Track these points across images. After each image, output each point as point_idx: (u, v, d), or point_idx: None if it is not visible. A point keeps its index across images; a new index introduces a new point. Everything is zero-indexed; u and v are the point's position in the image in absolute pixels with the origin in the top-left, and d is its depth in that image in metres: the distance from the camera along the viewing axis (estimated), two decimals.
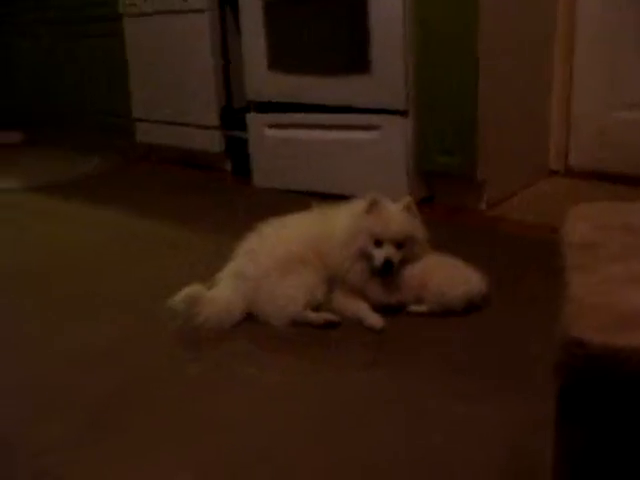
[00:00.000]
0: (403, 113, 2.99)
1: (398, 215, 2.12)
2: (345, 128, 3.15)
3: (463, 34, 2.78)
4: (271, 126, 3.40)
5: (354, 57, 3.03)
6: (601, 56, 3.23)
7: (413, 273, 2.13)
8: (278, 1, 3.21)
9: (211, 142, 3.76)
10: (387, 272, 2.09)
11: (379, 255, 2.07)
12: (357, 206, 2.15)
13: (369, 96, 3.04)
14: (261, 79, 3.36)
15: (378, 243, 2.08)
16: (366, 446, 1.53)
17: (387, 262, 2.06)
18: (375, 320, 2.05)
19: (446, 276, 2.11)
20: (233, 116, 3.67)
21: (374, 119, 3.06)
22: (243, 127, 3.55)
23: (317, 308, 2.12)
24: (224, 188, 3.62)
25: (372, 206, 2.10)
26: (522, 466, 1.45)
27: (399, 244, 2.09)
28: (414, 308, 2.12)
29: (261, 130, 3.43)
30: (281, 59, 3.27)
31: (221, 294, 2.12)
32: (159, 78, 3.88)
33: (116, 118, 4.27)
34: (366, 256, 2.10)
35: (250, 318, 2.13)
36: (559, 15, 3.27)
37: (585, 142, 3.37)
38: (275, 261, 2.14)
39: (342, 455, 1.51)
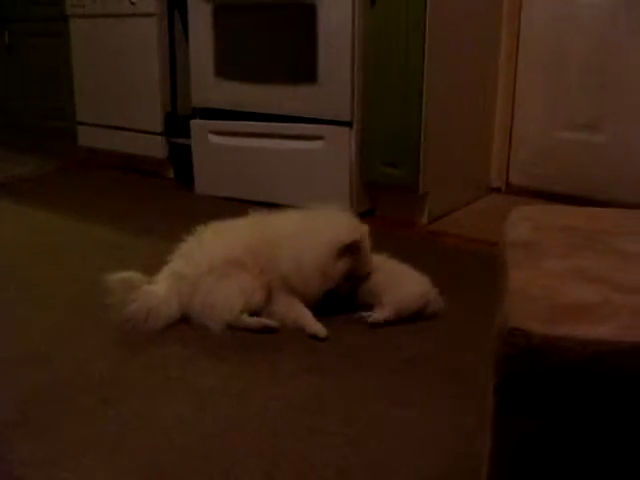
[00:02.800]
0: (348, 124, 3.00)
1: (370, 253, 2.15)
2: (290, 137, 3.15)
3: (410, 48, 2.81)
4: (215, 133, 3.38)
5: (301, 67, 3.04)
6: (543, 77, 3.30)
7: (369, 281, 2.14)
8: (227, 7, 3.19)
9: (154, 148, 3.72)
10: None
11: (346, 287, 2.13)
12: (338, 239, 2.10)
13: (315, 106, 3.04)
14: (207, 86, 3.34)
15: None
16: (302, 451, 1.51)
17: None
18: (318, 329, 2.04)
19: (401, 281, 2.11)
20: (177, 123, 3.63)
21: (319, 129, 3.06)
22: (187, 134, 3.52)
23: (256, 313, 2.11)
24: (165, 194, 3.57)
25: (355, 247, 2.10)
26: (462, 470, 1.45)
27: None
28: (375, 317, 2.08)
29: (205, 137, 3.40)
30: (228, 66, 3.26)
31: (157, 289, 2.09)
32: (104, 82, 3.82)
33: (58, 120, 4.19)
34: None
35: (186, 321, 2.10)
36: (503, 36, 3.34)
37: (526, 161, 3.43)
38: (212, 263, 2.11)
39: (278, 459, 1.49)
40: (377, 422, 1.61)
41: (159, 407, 1.68)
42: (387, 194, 3.12)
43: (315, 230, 2.14)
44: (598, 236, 1.10)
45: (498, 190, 3.51)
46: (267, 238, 2.18)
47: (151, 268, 2.19)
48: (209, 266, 2.11)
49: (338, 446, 1.52)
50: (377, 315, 2.08)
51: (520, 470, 0.85)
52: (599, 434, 0.81)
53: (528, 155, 3.42)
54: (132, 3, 3.50)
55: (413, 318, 2.10)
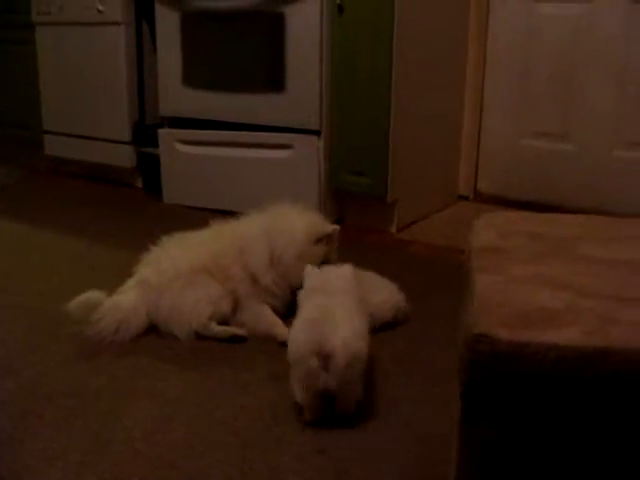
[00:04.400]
0: (316, 133, 3.00)
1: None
2: (258, 146, 3.14)
3: (378, 57, 2.82)
4: (183, 142, 3.36)
5: (269, 75, 3.04)
6: (510, 86, 3.33)
7: None
8: (195, 16, 3.18)
9: (122, 157, 3.68)
10: None
11: None
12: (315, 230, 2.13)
13: (283, 115, 3.04)
14: (175, 94, 3.32)
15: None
16: (271, 462, 1.50)
17: None
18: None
19: (372, 289, 2.11)
20: (145, 132, 3.61)
21: (287, 138, 3.06)
22: (155, 143, 3.49)
23: (224, 322, 2.09)
24: (133, 203, 3.54)
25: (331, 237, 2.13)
26: (434, 477, 1.45)
27: None
28: None
29: (173, 146, 3.38)
30: (196, 75, 3.24)
31: (123, 301, 2.07)
32: (71, 90, 3.78)
33: (23, 130, 4.13)
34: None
35: (152, 331, 2.09)
36: (470, 45, 3.37)
37: (493, 169, 3.46)
38: (178, 271, 2.10)
39: (246, 470, 1.48)
40: (347, 430, 1.61)
41: (126, 418, 1.67)
42: (355, 203, 3.12)
43: (289, 223, 2.14)
44: (563, 242, 1.10)
45: (466, 198, 3.53)
46: (235, 242, 2.17)
47: (119, 277, 2.18)
48: (175, 273, 2.10)
49: (307, 456, 1.51)
50: None
51: (487, 474, 0.85)
52: (562, 438, 0.82)
53: (496, 163, 3.45)
54: (99, 11, 3.47)
55: (382, 326, 2.10)
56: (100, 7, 3.48)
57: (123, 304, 2.06)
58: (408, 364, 1.93)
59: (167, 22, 3.25)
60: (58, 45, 3.75)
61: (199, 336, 2.06)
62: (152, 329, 2.09)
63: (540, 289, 0.92)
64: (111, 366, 1.92)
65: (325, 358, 1.54)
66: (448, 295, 2.33)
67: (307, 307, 1.74)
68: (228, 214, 2.32)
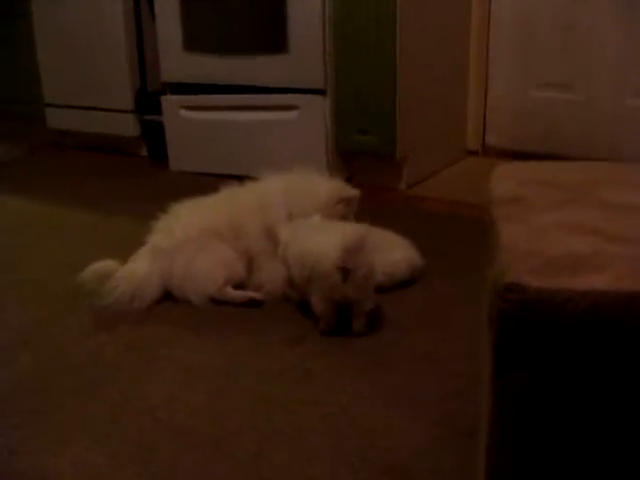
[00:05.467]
0: (322, 92, 2.97)
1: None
2: (263, 109, 3.11)
3: (382, 14, 2.77)
4: (187, 108, 3.33)
5: (272, 37, 2.99)
6: (516, 37, 3.27)
7: None
8: None
9: (126, 126, 3.66)
10: None
11: None
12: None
13: (287, 76, 3.00)
14: (176, 60, 3.28)
15: None
16: (295, 423, 1.50)
17: None
18: None
19: (388, 247, 2.09)
20: (148, 99, 3.57)
21: (292, 99, 3.02)
22: (158, 111, 3.46)
23: (240, 286, 2.08)
24: (139, 172, 3.52)
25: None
26: (458, 432, 1.44)
27: None
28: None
29: (177, 112, 3.35)
30: (197, 39, 3.20)
31: (136, 269, 2.05)
32: (71, 62, 3.73)
33: (25, 104, 4.10)
34: None
35: (167, 298, 2.08)
36: None
37: (501, 122, 3.42)
38: (189, 234, 2.08)
39: (270, 432, 1.48)
40: (367, 390, 1.60)
41: (146, 386, 1.66)
42: (364, 161, 3.09)
43: (312, 184, 2.14)
44: (584, 189, 1.08)
45: (475, 153, 3.50)
46: (253, 200, 2.16)
47: (129, 248, 2.16)
48: (186, 237, 2.08)
49: (331, 416, 1.51)
50: None
51: (521, 425, 0.84)
52: (596, 385, 0.80)
53: (504, 117, 3.41)
54: None
55: (399, 284, 2.08)
56: None
57: (137, 272, 2.04)
58: (426, 320, 1.92)
59: None
60: (55, 16, 3.69)
61: (215, 301, 2.05)
62: (167, 296, 2.08)
63: (566, 236, 0.90)
64: (129, 335, 1.91)
65: (346, 272, 1.73)
66: (463, 250, 2.34)
67: (316, 230, 1.89)
68: (235, 179, 2.30)
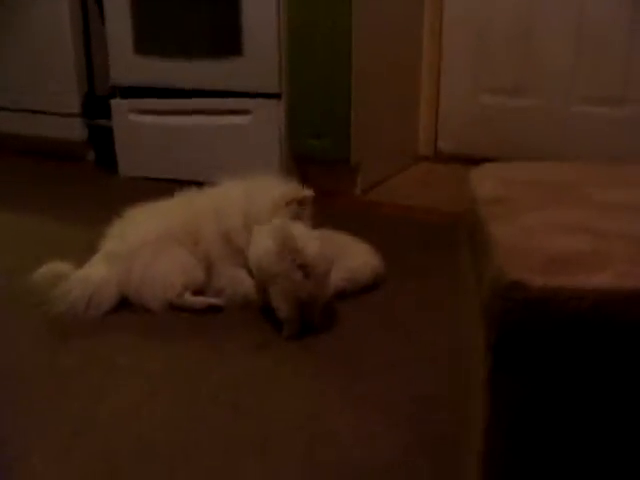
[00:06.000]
0: (276, 96, 2.93)
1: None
2: (216, 113, 3.06)
3: (337, 19, 2.75)
4: (137, 112, 3.25)
5: (226, 39, 2.95)
6: (468, 42, 3.30)
7: None
8: None
9: (72, 130, 3.55)
10: None
11: None
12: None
13: (241, 79, 2.96)
14: (127, 63, 3.20)
15: None
16: (265, 429, 1.46)
17: None
18: None
19: (349, 252, 2.07)
20: (96, 103, 3.49)
21: (246, 103, 2.98)
22: (106, 115, 3.38)
23: (199, 292, 2.03)
24: (87, 178, 3.43)
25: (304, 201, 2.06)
26: (427, 439, 1.42)
27: None
28: None
29: (126, 116, 3.28)
30: (148, 41, 3.13)
31: (92, 274, 1.99)
32: (14, 63, 3.61)
33: None
34: None
35: (124, 305, 2.01)
36: (426, 2, 3.32)
37: (453, 127, 3.44)
38: (146, 239, 2.03)
39: (240, 439, 1.44)
40: (336, 397, 1.57)
41: (108, 396, 1.60)
42: (318, 167, 3.06)
43: (266, 186, 2.09)
44: (568, 188, 1.08)
45: (427, 158, 3.51)
46: (210, 205, 2.11)
47: (80, 254, 2.08)
48: (143, 242, 2.02)
49: (301, 423, 1.48)
50: None
51: (522, 430, 0.82)
52: (600, 385, 0.79)
53: (455, 122, 3.43)
54: None
55: (361, 289, 2.07)
56: None
57: (92, 277, 1.98)
58: (389, 325, 1.90)
59: None
60: None
61: (174, 307, 1.99)
62: (124, 303, 2.02)
63: (560, 234, 0.89)
64: (86, 343, 1.85)
65: (306, 268, 1.72)
66: (420, 254, 2.34)
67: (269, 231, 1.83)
68: (188, 184, 2.24)
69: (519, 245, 0.86)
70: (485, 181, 1.14)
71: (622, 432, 0.79)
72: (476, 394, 0.96)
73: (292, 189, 2.08)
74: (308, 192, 2.09)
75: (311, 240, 1.80)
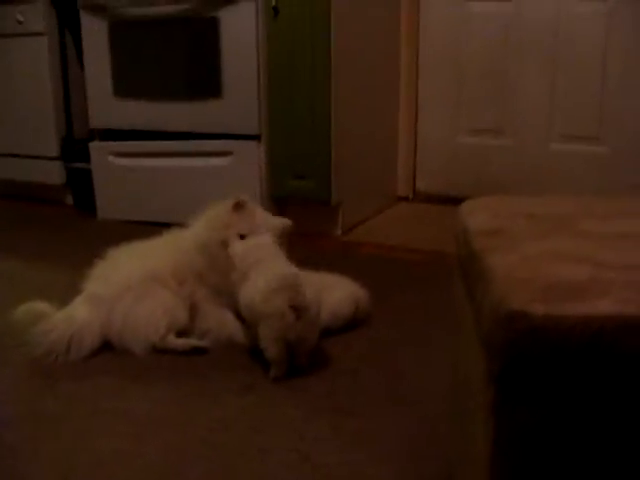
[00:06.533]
0: (256, 138, 2.94)
1: (262, 212, 2.10)
2: (196, 155, 3.06)
3: (317, 61, 2.78)
4: (116, 155, 3.25)
5: (205, 82, 2.96)
6: (444, 84, 3.35)
7: None
8: (124, 23, 3.08)
9: (51, 174, 3.54)
10: None
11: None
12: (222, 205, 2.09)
13: (221, 121, 2.97)
14: (106, 106, 3.21)
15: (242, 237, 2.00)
16: (258, 472, 1.43)
17: None
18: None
19: (328, 287, 2.06)
20: (74, 146, 3.48)
21: (226, 145, 2.99)
22: (85, 158, 3.37)
23: (183, 333, 2.01)
24: (66, 221, 3.40)
25: (238, 205, 2.05)
26: (423, 476, 1.40)
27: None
28: None
29: (106, 159, 3.27)
30: (128, 84, 3.14)
31: (73, 315, 1.96)
32: None
33: None
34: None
35: (106, 348, 1.98)
36: (403, 44, 3.37)
37: (431, 167, 3.47)
38: (129, 282, 2.00)
39: (229, 479, 1.40)
40: (328, 436, 1.55)
41: (93, 441, 1.56)
42: (298, 208, 3.06)
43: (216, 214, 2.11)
44: (562, 220, 1.08)
45: (406, 199, 3.53)
46: (182, 252, 2.09)
47: (64, 296, 2.05)
48: (126, 285, 2.00)
49: (293, 463, 1.45)
50: None
51: (527, 460, 0.81)
52: (607, 412, 0.79)
53: (433, 163, 3.46)
54: (19, 22, 3.33)
55: (344, 328, 2.05)
56: (20, 17, 3.34)
57: (74, 318, 1.95)
58: (375, 363, 1.89)
59: (94, 31, 3.14)
60: None
61: (157, 350, 1.96)
62: (105, 346, 1.99)
63: (559, 264, 0.89)
64: (68, 386, 1.81)
65: (299, 310, 1.73)
66: (402, 292, 2.34)
67: (263, 271, 1.83)
68: (168, 226, 2.23)
69: (518, 275, 0.86)
70: (477, 214, 1.14)
71: (630, 458, 0.79)
72: (472, 429, 0.95)
73: (270, 218, 2.08)
74: (285, 220, 2.11)
75: (305, 282, 1.80)
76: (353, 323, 2.08)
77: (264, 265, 1.87)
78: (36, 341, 1.89)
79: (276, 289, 1.75)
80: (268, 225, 2.04)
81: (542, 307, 0.77)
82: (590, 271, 0.86)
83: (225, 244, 1.99)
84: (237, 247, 1.95)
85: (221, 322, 2.02)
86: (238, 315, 1.98)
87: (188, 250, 2.07)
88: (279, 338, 1.75)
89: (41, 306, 1.93)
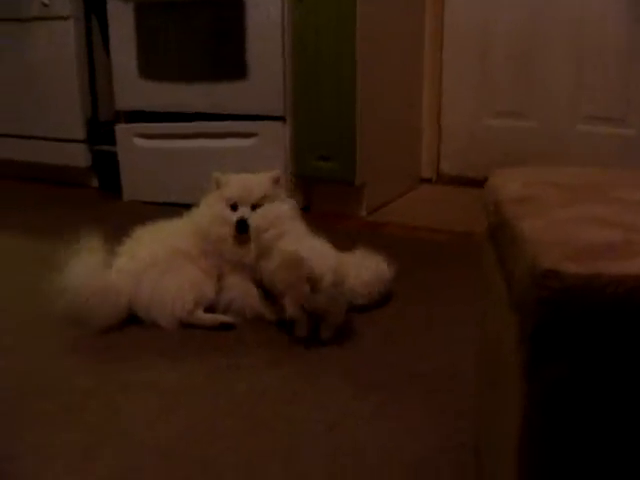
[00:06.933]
0: (281, 119, 2.95)
1: (250, 180, 2.11)
2: (221, 136, 3.07)
3: (341, 42, 2.79)
4: (142, 136, 3.27)
5: (230, 63, 2.97)
6: (469, 66, 3.34)
7: None
8: (150, 5, 3.09)
9: (76, 157, 3.57)
10: (243, 231, 2.03)
11: (232, 216, 2.04)
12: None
13: (246, 103, 2.98)
14: (132, 88, 3.23)
15: (234, 208, 2.05)
16: (285, 442, 1.45)
17: (241, 221, 2.02)
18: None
19: (359, 267, 2.07)
20: (99, 129, 3.51)
21: (251, 126, 3.00)
22: (110, 140, 3.40)
23: (210, 309, 2.03)
24: (91, 203, 3.43)
25: (218, 182, 2.13)
26: (447, 447, 1.42)
27: (254, 206, 2.06)
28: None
29: (131, 141, 3.29)
30: (153, 66, 3.16)
31: (104, 287, 1.98)
32: (20, 90, 3.62)
33: None
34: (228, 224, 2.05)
35: (136, 322, 2.01)
36: (427, 25, 3.36)
37: (455, 149, 3.46)
38: (155, 256, 2.03)
39: (260, 452, 1.43)
40: (354, 408, 1.57)
41: (123, 411, 1.60)
42: (322, 189, 3.08)
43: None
44: (592, 188, 1.09)
45: (429, 180, 3.53)
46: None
47: None
48: (152, 260, 2.03)
49: (320, 435, 1.47)
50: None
51: (560, 420, 0.82)
52: (637, 371, 0.79)
53: (457, 144, 3.46)
54: (45, 5, 3.35)
55: (372, 303, 2.07)
56: (46, 1, 3.35)
57: (104, 291, 1.97)
58: (402, 340, 1.90)
59: (120, 14, 3.15)
60: (3, 42, 3.59)
61: (184, 325, 1.99)
62: (134, 320, 2.01)
63: (590, 227, 0.90)
64: (98, 360, 1.84)
65: (314, 282, 1.78)
66: (426, 272, 2.34)
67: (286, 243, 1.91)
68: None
69: (550, 237, 0.87)
70: (507, 183, 1.15)
71: None
72: (502, 396, 0.96)
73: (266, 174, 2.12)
74: (277, 170, 2.16)
75: (322, 256, 1.85)
76: (379, 300, 2.09)
77: (287, 239, 1.93)
78: (68, 312, 1.92)
79: (286, 263, 1.82)
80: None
81: (575, 266, 0.78)
82: (622, 234, 0.87)
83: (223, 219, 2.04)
84: (255, 219, 2.01)
85: (245, 292, 2.03)
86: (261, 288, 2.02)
87: (203, 226, 2.10)
88: (298, 304, 1.82)
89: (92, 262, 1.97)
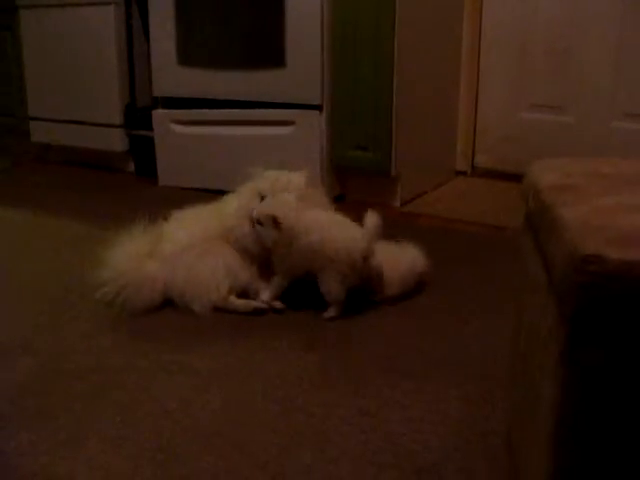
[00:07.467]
0: (318, 108, 2.96)
1: (284, 175, 2.13)
2: (258, 124, 3.09)
3: (380, 31, 2.79)
4: (179, 123, 3.30)
5: (269, 51, 2.99)
6: (506, 59, 3.32)
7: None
8: None
9: (114, 141, 3.61)
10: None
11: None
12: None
13: (283, 90, 2.99)
14: (170, 74, 3.25)
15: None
16: (318, 425, 1.47)
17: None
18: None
19: (395, 257, 2.09)
20: (137, 114, 3.54)
21: (288, 114, 3.01)
22: (147, 126, 3.43)
23: (244, 293, 2.05)
24: (127, 187, 3.47)
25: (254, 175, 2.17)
26: (479, 440, 1.42)
27: None
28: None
29: (168, 127, 3.32)
30: (192, 53, 3.18)
31: (141, 269, 2.02)
32: (58, 74, 3.69)
33: (7, 117, 4.04)
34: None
35: (171, 305, 2.03)
36: (465, 18, 3.34)
37: (491, 143, 3.44)
38: (192, 240, 2.05)
39: (293, 434, 1.44)
40: (387, 394, 1.58)
41: (158, 391, 1.62)
42: (358, 178, 3.09)
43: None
44: (632, 178, 1.08)
45: (463, 173, 3.52)
46: None
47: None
48: (188, 242, 2.04)
49: (353, 418, 1.48)
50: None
51: (598, 406, 0.82)
52: None
53: (493, 137, 3.44)
54: None
55: (406, 292, 2.08)
56: None
57: (141, 273, 2.01)
58: (435, 329, 1.90)
59: (160, 0, 3.17)
60: (43, 28, 3.65)
61: (217, 309, 2.01)
62: (168, 303, 2.04)
63: (631, 215, 0.90)
64: (132, 341, 1.87)
65: (367, 259, 1.95)
66: (461, 263, 2.34)
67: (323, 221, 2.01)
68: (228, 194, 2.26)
69: (592, 223, 0.87)
70: (547, 173, 1.14)
71: None
72: (537, 382, 0.96)
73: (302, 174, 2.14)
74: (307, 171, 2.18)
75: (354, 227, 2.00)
76: (413, 290, 2.09)
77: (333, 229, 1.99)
78: (107, 293, 1.96)
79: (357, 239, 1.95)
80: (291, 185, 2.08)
81: (615, 251, 0.78)
82: None
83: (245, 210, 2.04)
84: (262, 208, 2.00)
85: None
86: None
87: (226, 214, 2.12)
88: (342, 282, 1.93)
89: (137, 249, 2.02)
